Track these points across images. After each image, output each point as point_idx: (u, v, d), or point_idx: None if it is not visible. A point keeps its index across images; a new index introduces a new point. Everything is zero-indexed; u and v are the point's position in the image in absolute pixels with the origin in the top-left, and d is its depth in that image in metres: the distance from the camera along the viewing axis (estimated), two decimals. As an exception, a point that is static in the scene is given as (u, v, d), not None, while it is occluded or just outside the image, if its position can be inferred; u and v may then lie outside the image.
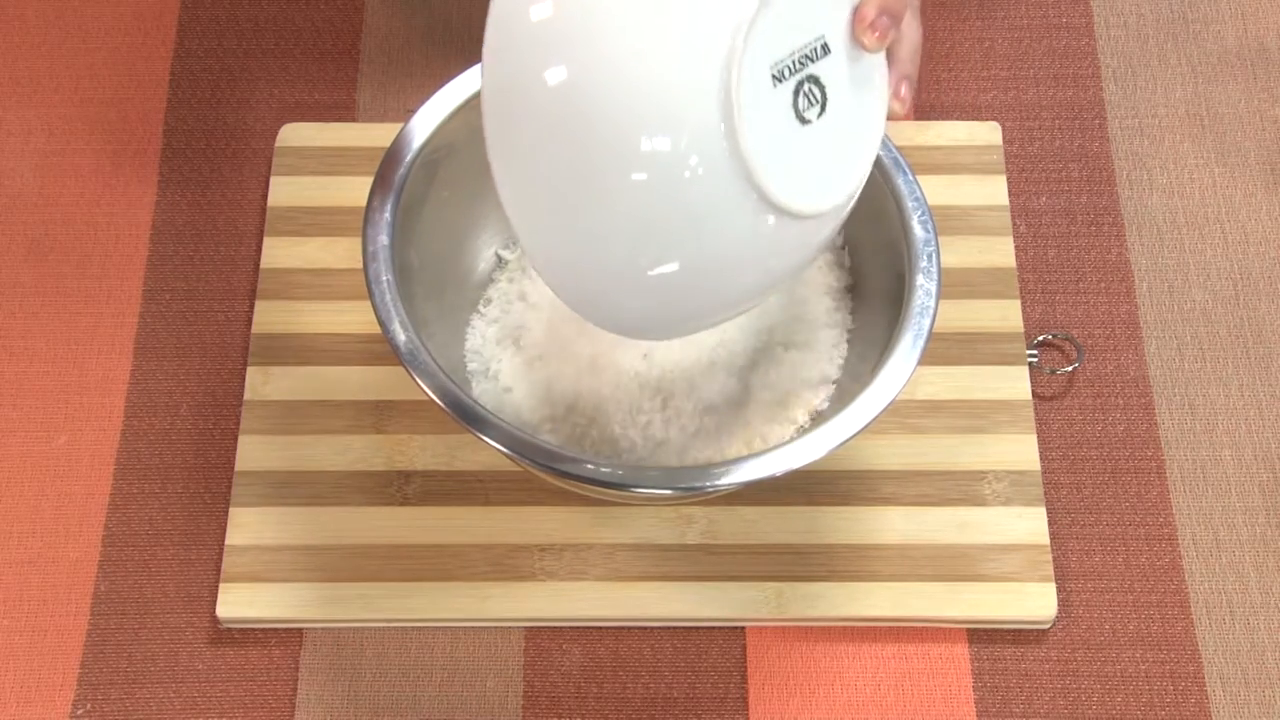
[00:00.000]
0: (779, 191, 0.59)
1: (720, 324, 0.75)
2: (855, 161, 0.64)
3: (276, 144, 0.91)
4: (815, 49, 0.60)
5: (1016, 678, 0.78)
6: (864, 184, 0.65)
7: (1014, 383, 0.83)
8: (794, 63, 0.60)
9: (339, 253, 0.87)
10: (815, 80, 0.61)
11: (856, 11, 0.62)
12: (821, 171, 0.62)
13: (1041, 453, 0.83)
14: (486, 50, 0.61)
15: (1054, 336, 0.87)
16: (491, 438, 0.68)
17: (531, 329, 0.79)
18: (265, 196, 0.90)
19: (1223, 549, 0.81)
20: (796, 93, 0.60)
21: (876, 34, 0.62)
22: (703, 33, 0.58)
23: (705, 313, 0.67)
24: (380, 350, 0.77)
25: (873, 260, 0.80)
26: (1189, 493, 0.83)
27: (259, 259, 0.88)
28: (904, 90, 0.66)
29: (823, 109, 0.61)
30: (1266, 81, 0.95)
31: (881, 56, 0.64)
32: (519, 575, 0.78)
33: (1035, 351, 0.85)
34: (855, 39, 0.62)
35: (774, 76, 0.59)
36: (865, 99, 0.64)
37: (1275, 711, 0.77)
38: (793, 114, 0.60)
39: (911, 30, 0.66)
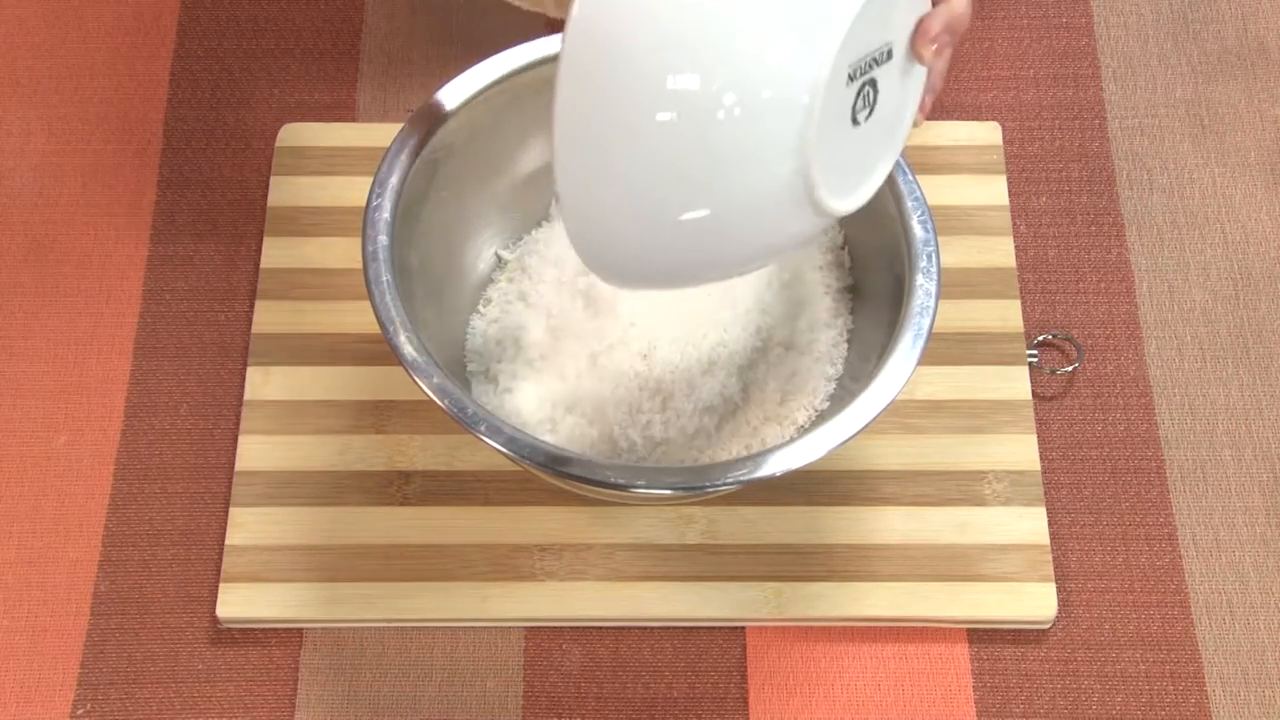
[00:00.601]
0: (820, 187, 0.59)
1: (714, 281, 0.75)
2: (878, 167, 0.65)
3: (276, 144, 0.91)
4: (883, 53, 0.60)
5: (1016, 678, 0.78)
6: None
7: (1014, 383, 0.83)
8: (865, 64, 0.59)
9: (339, 253, 0.87)
10: (874, 84, 0.61)
11: (921, 24, 0.62)
12: (851, 173, 0.63)
13: (1041, 453, 0.83)
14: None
15: (1054, 336, 0.87)
16: (491, 438, 0.68)
17: (531, 329, 0.79)
18: (265, 196, 0.90)
19: (1223, 549, 0.81)
20: (858, 94, 0.60)
21: (935, 47, 0.62)
22: (813, 16, 0.57)
23: (708, 267, 0.67)
24: (380, 350, 0.77)
25: (873, 260, 0.80)
26: (1189, 493, 0.83)
27: (259, 259, 0.88)
28: (927, 103, 0.66)
29: (870, 113, 0.61)
30: (1266, 81, 0.95)
31: (925, 70, 0.64)
32: (519, 575, 0.78)
33: (1035, 351, 0.85)
34: (914, 50, 0.62)
35: (849, 75, 0.59)
36: (900, 108, 0.64)
37: (1275, 711, 0.77)
38: (850, 114, 0.60)
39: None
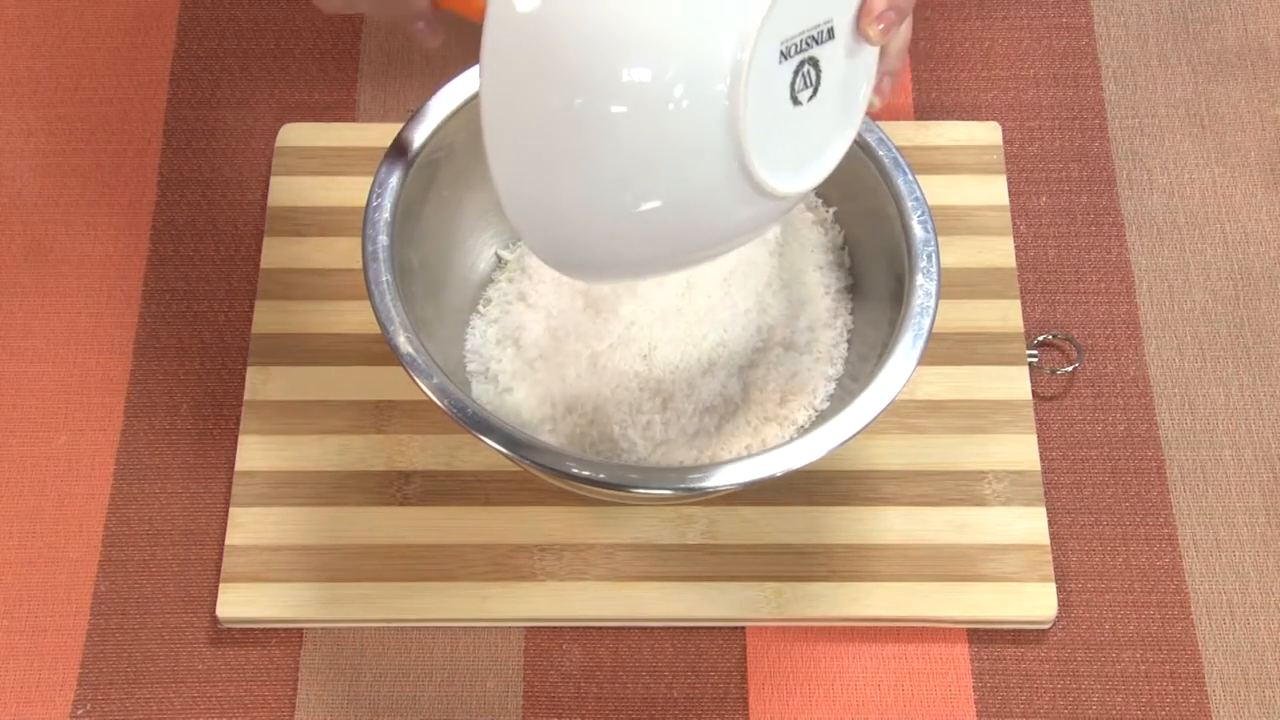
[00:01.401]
0: (760, 168, 0.59)
1: (672, 272, 0.75)
2: (830, 148, 0.64)
3: (276, 144, 0.91)
4: (822, 32, 0.60)
5: (1016, 678, 0.78)
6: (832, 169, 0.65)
7: (1014, 383, 0.83)
8: (801, 42, 0.59)
9: (339, 253, 0.87)
10: (814, 63, 0.60)
11: (865, 2, 0.61)
12: (798, 154, 0.62)
13: (1041, 453, 0.83)
14: None
15: (1054, 336, 0.87)
16: (490, 438, 0.68)
17: (531, 329, 0.79)
18: (265, 196, 0.90)
19: (1223, 549, 0.81)
20: (796, 73, 0.60)
21: (882, 26, 0.61)
22: None
23: (663, 258, 0.66)
24: (380, 350, 0.77)
25: (873, 260, 0.80)
26: (1189, 493, 0.83)
27: (259, 259, 0.88)
28: (886, 85, 0.65)
29: (814, 93, 0.61)
30: (1266, 81, 0.95)
31: (876, 50, 0.64)
32: (519, 575, 0.79)
33: (1035, 351, 0.85)
34: (860, 30, 0.61)
35: (781, 53, 0.58)
36: (851, 89, 0.63)
37: (1275, 711, 0.77)
38: (789, 93, 0.60)
39: (905, 27, 0.66)
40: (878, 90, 0.65)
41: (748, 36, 0.56)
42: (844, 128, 0.64)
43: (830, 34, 0.60)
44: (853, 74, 0.63)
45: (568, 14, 0.57)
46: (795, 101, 0.60)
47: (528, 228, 0.63)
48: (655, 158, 0.58)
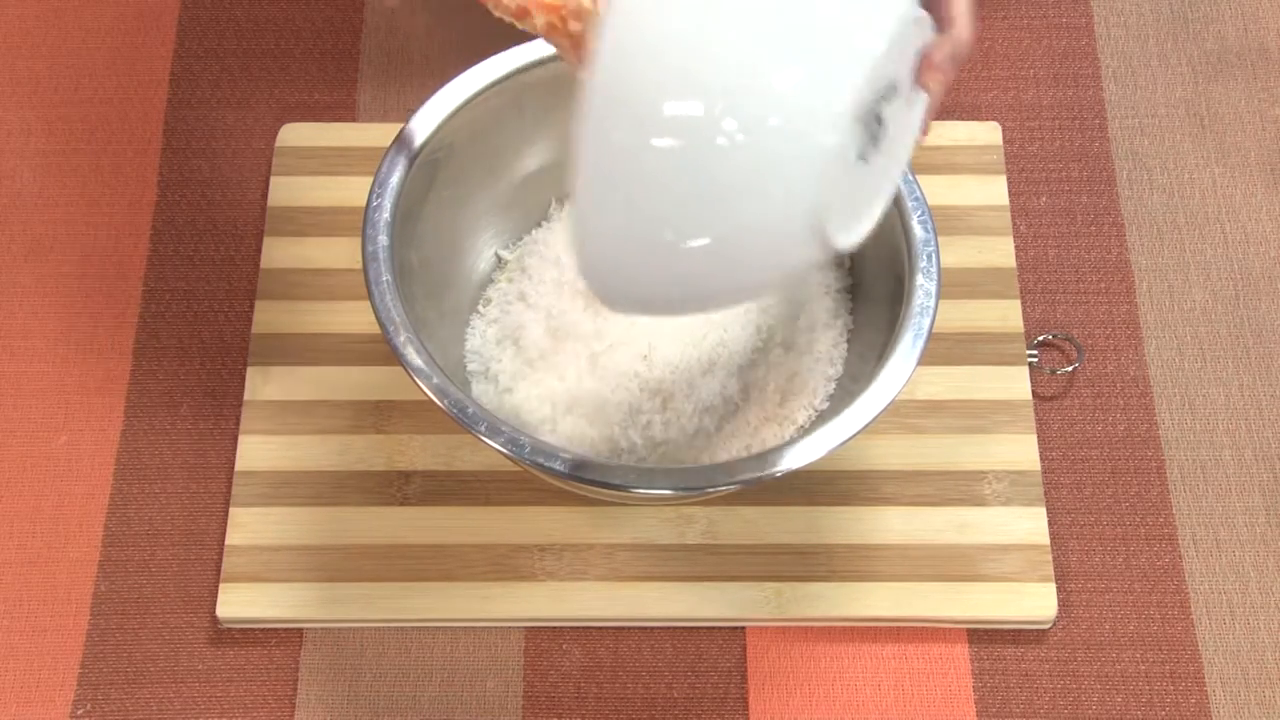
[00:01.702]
0: (832, 226, 0.59)
1: (719, 309, 0.77)
2: (878, 199, 0.64)
3: (276, 144, 0.91)
4: (889, 90, 0.60)
5: (1016, 678, 0.78)
6: None
7: (1014, 383, 0.83)
8: (873, 103, 0.59)
9: (339, 253, 0.87)
10: (880, 120, 0.60)
11: (927, 56, 0.61)
12: (855, 207, 0.62)
13: (1041, 453, 0.83)
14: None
15: (1054, 336, 0.87)
16: (491, 438, 0.68)
17: (531, 329, 0.79)
18: (265, 196, 0.90)
19: (1223, 549, 0.81)
20: (865, 131, 0.59)
21: (941, 77, 0.62)
22: (831, 63, 0.56)
23: (708, 297, 0.66)
24: (380, 350, 0.77)
25: (873, 260, 0.80)
26: (1189, 493, 0.83)
27: (259, 259, 0.88)
28: (927, 123, 0.66)
29: (876, 147, 0.61)
30: (1266, 81, 0.95)
31: (926, 97, 0.64)
32: (519, 575, 0.79)
33: (1035, 351, 0.85)
34: (920, 81, 0.61)
35: (858, 116, 0.58)
36: (903, 135, 0.63)
37: (1275, 711, 0.77)
38: (857, 152, 0.59)
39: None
40: (923, 130, 0.65)
41: (840, 118, 0.56)
42: (889, 177, 0.64)
43: (894, 90, 0.60)
44: (907, 123, 0.63)
45: (684, 63, 0.56)
46: (862, 159, 0.60)
47: (594, 262, 0.62)
48: (741, 210, 0.58)
